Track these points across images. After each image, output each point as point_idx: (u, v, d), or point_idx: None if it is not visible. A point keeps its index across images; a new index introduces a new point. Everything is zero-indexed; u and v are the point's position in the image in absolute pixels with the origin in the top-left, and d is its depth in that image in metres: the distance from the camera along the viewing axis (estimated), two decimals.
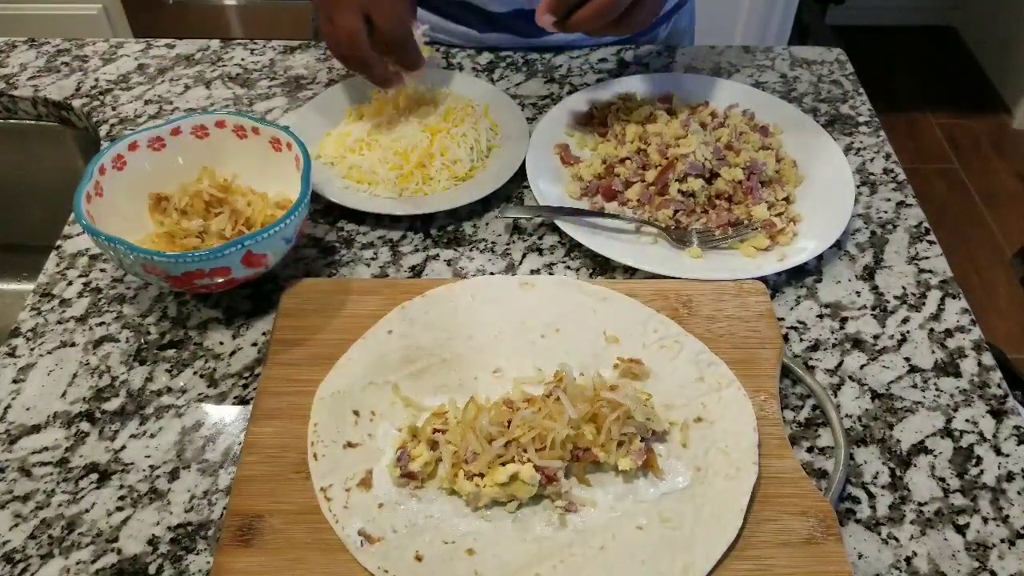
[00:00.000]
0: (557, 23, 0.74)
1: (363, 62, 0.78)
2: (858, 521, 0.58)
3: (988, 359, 0.68)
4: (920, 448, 0.62)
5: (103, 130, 0.90)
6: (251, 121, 0.74)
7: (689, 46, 1.02)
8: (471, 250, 0.77)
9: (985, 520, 0.58)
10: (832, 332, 0.70)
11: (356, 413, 0.61)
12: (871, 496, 0.59)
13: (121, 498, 0.59)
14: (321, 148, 0.84)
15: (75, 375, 0.67)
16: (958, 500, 0.59)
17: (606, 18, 0.72)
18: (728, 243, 0.75)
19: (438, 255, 0.76)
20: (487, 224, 0.79)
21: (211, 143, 0.75)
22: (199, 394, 0.65)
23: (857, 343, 0.69)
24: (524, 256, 0.76)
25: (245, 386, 0.66)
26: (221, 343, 0.69)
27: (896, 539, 0.57)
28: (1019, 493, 0.60)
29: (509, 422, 0.57)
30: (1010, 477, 0.60)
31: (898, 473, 0.61)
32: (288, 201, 0.73)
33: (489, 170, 0.82)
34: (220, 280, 0.66)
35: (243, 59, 0.99)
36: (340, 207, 0.78)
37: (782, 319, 0.71)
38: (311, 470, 0.58)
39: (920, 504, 0.59)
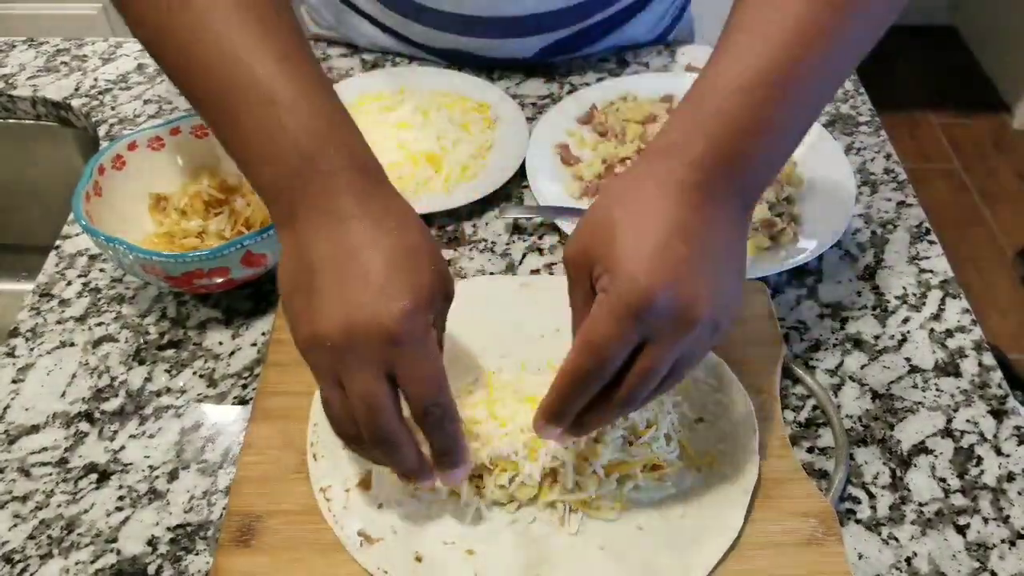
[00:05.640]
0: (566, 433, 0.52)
1: (390, 440, 0.49)
2: (858, 521, 0.58)
3: (989, 359, 0.68)
4: (920, 448, 0.62)
5: (102, 130, 0.89)
6: None
7: (689, 46, 1.02)
8: (471, 250, 0.77)
9: (986, 520, 0.58)
10: (832, 332, 0.70)
11: None
12: (871, 496, 0.59)
13: (120, 498, 0.59)
14: None
15: (74, 375, 0.66)
16: (959, 500, 0.59)
17: (644, 394, 0.49)
18: None
19: None
20: (487, 224, 0.79)
21: (211, 143, 0.75)
22: (198, 394, 0.65)
23: (857, 343, 0.69)
24: (524, 256, 0.76)
25: (244, 386, 0.66)
26: (220, 343, 0.69)
27: (896, 539, 0.57)
28: (1020, 493, 0.59)
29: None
30: (1011, 477, 0.60)
31: (898, 473, 0.61)
32: None
33: (489, 170, 0.82)
34: (219, 280, 0.66)
35: None
36: None
37: (782, 319, 0.71)
38: (310, 471, 0.58)
39: (920, 504, 0.59)
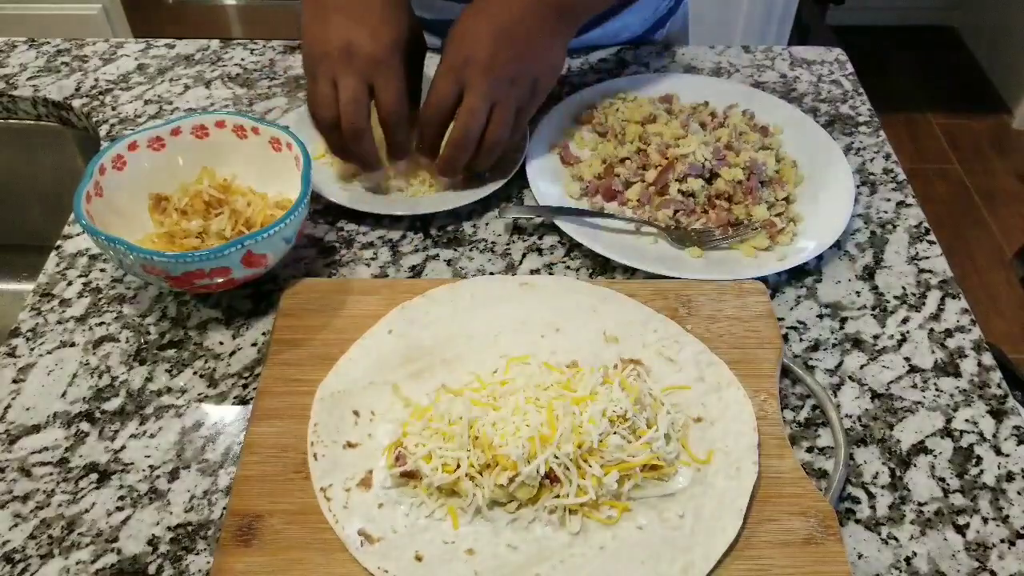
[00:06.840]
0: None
1: (359, 136, 0.73)
2: (858, 521, 0.58)
3: (988, 359, 0.68)
4: (920, 448, 0.62)
5: (103, 130, 0.90)
6: (251, 121, 0.74)
7: (689, 46, 1.02)
8: (471, 250, 0.77)
9: (985, 520, 0.58)
10: (832, 332, 0.70)
11: (356, 413, 0.61)
12: (871, 496, 0.59)
13: (121, 498, 0.59)
14: (321, 148, 0.84)
15: (75, 375, 0.67)
16: (958, 500, 0.59)
17: (461, 159, 0.75)
18: (728, 243, 0.75)
19: (438, 255, 0.76)
20: (487, 224, 0.79)
21: (211, 143, 0.75)
22: (199, 394, 0.65)
23: (857, 343, 0.69)
24: (524, 256, 0.76)
25: (245, 386, 0.66)
26: (221, 343, 0.69)
27: (896, 539, 0.57)
28: (1019, 493, 0.60)
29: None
30: (1010, 477, 0.60)
31: (898, 473, 0.61)
32: (288, 201, 0.73)
33: (489, 170, 0.82)
34: (220, 280, 0.66)
35: (243, 59, 0.99)
36: (340, 207, 0.78)
37: (782, 319, 0.71)
38: (311, 470, 0.58)
39: (920, 504, 0.59)
